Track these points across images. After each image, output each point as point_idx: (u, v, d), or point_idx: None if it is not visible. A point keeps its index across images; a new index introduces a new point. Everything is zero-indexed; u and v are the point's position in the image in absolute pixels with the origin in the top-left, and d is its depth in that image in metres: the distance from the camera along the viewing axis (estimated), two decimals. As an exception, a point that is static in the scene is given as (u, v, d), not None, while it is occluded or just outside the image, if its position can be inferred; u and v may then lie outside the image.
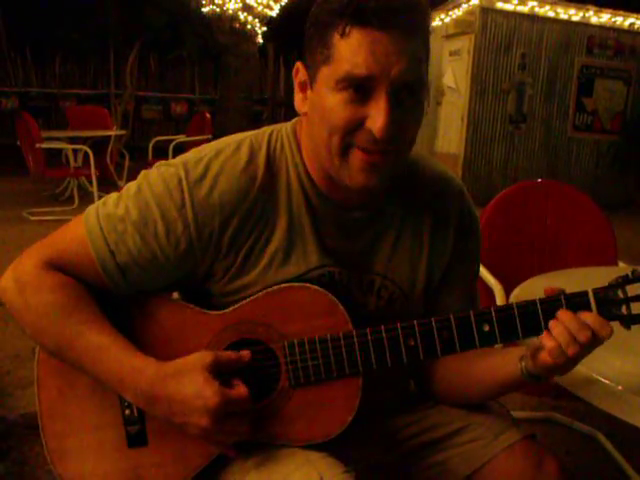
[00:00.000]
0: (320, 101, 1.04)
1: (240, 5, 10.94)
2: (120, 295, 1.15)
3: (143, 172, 1.17)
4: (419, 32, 1.01)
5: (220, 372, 1.06)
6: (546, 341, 1.02)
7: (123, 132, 9.47)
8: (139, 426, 1.13)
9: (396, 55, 0.97)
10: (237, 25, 11.10)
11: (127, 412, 1.13)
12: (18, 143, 7.19)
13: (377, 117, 0.99)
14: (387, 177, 1.08)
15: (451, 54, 9.34)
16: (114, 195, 1.15)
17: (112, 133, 8.31)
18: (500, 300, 2.06)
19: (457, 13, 8.98)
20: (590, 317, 1.01)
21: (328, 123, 1.03)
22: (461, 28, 8.93)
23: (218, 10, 10.99)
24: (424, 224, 1.24)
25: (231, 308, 1.13)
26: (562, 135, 9.42)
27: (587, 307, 1.03)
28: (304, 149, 1.17)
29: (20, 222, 6.50)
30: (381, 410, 1.30)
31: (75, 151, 7.72)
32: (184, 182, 1.10)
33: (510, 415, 1.30)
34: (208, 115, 8.02)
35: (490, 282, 2.14)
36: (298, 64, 1.10)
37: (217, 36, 11.41)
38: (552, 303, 1.04)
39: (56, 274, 1.11)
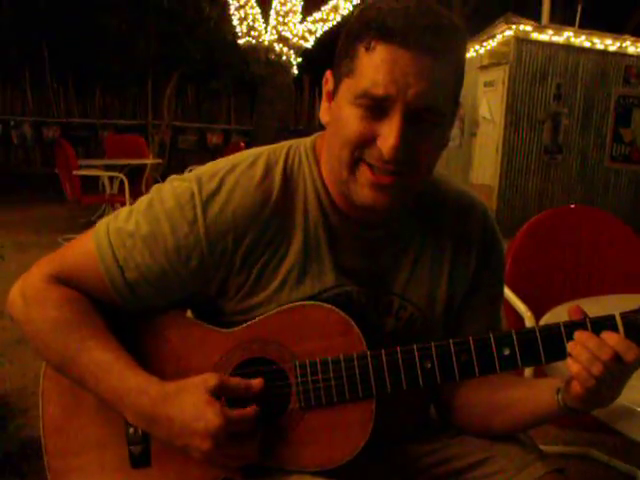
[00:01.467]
0: (338, 112, 1.03)
1: (276, 37, 11.11)
2: (129, 311, 1.12)
3: (156, 186, 1.14)
4: (447, 55, 0.98)
5: (224, 395, 1.03)
6: (570, 366, 0.97)
7: (159, 161, 9.62)
8: (143, 446, 1.10)
9: (415, 76, 0.95)
10: (272, 56, 11.27)
11: (131, 431, 1.10)
12: (56, 170, 7.35)
13: (388, 137, 0.97)
14: (398, 199, 1.05)
15: (486, 85, 9.31)
16: (126, 209, 1.13)
17: (148, 161, 8.46)
18: (530, 328, 1.99)
19: (492, 44, 8.96)
20: (613, 337, 0.96)
21: (342, 135, 1.01)
22: (496, 59, 8.90)
23: (254, 42, 11.17)
24: (445, 245, 1.20)
25: (242, 326, 1.10)
26: (599, 166, 9.26)
27: (614, 331, 0.97)
28: (323, 164, 1.14)
29: (55, 247, 6.55)
30: (399, 437, 1.24)
31: (111, 178, 7.85)
32: (197, 197, 1.08)
33: (537, 447, 1.23)
34: (243, 145, 8.11)
35: (520, 309, 2.06)
36: (328, 73, 1.09)
37: (253, 67, 11.59)
38: (576, 326, 0.98)
39: (63, 288, 1.10)
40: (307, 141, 1.19)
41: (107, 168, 7.80)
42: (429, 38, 0.95)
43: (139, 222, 1.09)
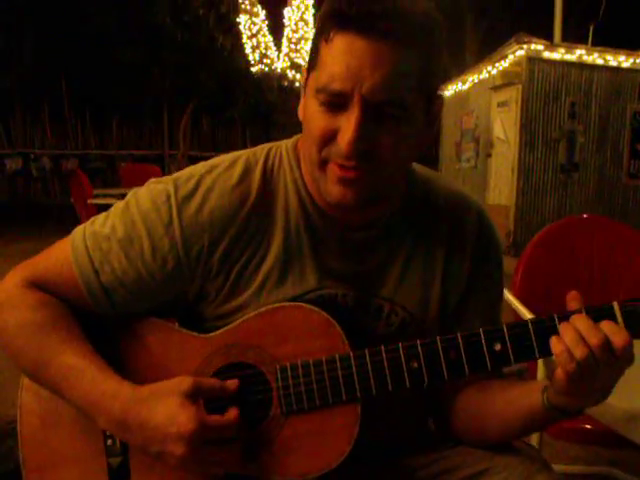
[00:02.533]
0: (306, 106, 1.00)
1: (288, 64, 11.21)
2: (107, 317, 1.09)
3: (133, 190, 1.12)
4: (409, 42, 0.92)
5: (201, 399, 0.98)
6: (553, 345, 0.91)
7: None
8: (122, 458, 1.05)
9: (372, 67, 0.90)
10: (285, 83, 11.37)
11: (109, 442, 1.05)
12: (72, 200, 7.41)
13: (346, 132, 0.93)
14: (365, 194, 1.00)
15: (499, 105, 9.28)
16: (104, 214, 1.11)
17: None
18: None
19: (504, 64, 8.94)
20: (607, 324, 0.90)
21: (309, 132, 0.99)
22: (508, 79, 8.88)
23: (267, 69, 11.28)
24: (438, 245, 1.14)
25: (221, 330, 1.06)
26: (617, 183, 9.14)
27: (613, 320, 0.91)
28: (303, 164, 1.10)
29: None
30: (396, 449, 1.18)
31: (126, 207, 7.86)
32: (172, 198, 1.05)
33: (541, 457, 1.16)
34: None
35: (525, 317, 1.99)
36: (304, 69, 1.06)
37: (266, 94, 11.71)
38: (572, 316, 0.92)
39: (37, 293, 1.07)
40: (289, 142, 1.15)
41: (122, 197, 7.81)
42: (387, 23, 0.90)
43: (115, 225, 1.07)
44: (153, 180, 1.12)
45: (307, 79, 1.01)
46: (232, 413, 0.98)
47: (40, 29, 14.34)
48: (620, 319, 0.91)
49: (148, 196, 1.07)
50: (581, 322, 0.90)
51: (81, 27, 14.48)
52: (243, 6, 10.82)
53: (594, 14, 9.52)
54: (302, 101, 1.06)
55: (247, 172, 1.09)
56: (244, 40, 11.34)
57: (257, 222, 1.07)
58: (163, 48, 13.56)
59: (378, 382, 0.97)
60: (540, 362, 1.69)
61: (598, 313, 0.91)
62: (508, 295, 2.02)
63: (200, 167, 1.11)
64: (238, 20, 10.99)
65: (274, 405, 1.01)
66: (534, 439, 1.76)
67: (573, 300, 0.94)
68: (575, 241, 2.40)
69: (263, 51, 11.31)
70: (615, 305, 0.91)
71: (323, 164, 0.99)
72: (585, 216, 2.64)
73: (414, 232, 1.14)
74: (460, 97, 10.75)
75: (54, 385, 1.03)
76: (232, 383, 1.01)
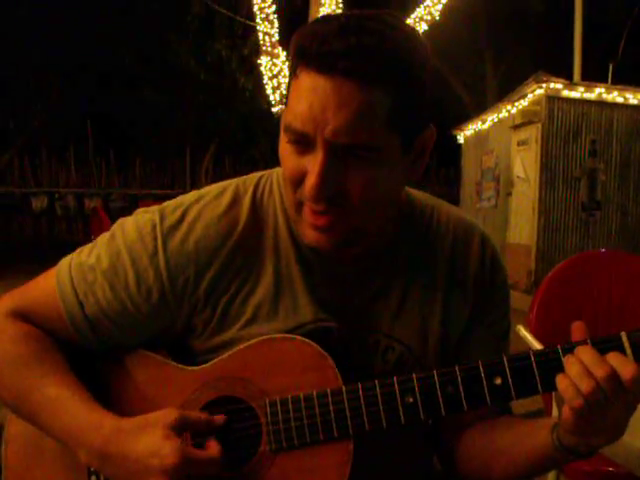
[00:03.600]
0: (279, 146, 0.96)
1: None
2: (92, 351, 1.06)
3: (120, 220, 1.09)
4: (377, 81, 0.86)
5: (186, 433, 0.94)
6: (559, 382, 0.85)
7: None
8: None
9: (335, 109, 0.85)
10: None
11: (93, 479, 1.01)
12: (92, 237, 7.48)
13: (310, 175, 0.89)
14: (340, 240, 0.96)
15: (519, 144, 9.24)
16: (90, 244, 1.08)
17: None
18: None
19: (523, 103, 8.93)
20: (614, 356, 0.84)
21: (283, 171, 0.96)
22: (528, 117, 8.85)
23: (287, 109, 11.38)
24: (437, 276, 1.09)
25: (210, 363, 1.02)
26: (640, 221, 9.02)
27: (621, 351, 0.85)
28: None
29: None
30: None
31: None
32: (158, 228, 1.02)
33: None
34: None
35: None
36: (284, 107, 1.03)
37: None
38: (577, 348, 0.86)
39: (20, 324, 1.04)
40: (279, 170, 1.11)
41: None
42: (348, 62, 0.84)
43: (100, 256, 1.04)
44: (141, 210, 1.09)
45: (282, 117, 0.98)
46: (216, 449, 0.93)
47: (66, 71, 14.70)
48: (629, 350, 0.85)
49: (134, 226, 1.05)
50: (586, 354, 0.85)
51: (106, 68, 14.84)
52: (264, 47, 10.96)
53: (614, 53, 9.52)
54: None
55: (235, 201, 1.06)
56: (265, 81, 11.48)
57: (245, 252, 1.03)
58: (186, 89, 13.80)
59: (371, 417, 0.92)
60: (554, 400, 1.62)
61: (605, 344, 0.86)
62: (524, 332, 1.96)
63: (189, 196, 1.08)
64: (259, 61, 11.13)
65: (263, 441, 0.96)
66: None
67: (578, 330, 0.89)
68: (592, 275, 2.33)
69: (283, 92, 11.44)
70: (623, 335, 0.86)
71: (299, 206, 0.96)
72: (603, 250, 2.58)
73: (412, 262, 1.09)
74: (480, 136, 10.73)
75: (35, 417, 1.00)
76: (219, 418, 0.97)
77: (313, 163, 0.89)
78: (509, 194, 9.61)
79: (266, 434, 0.96)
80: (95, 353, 1.07)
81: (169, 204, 1.07)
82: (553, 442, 0.92)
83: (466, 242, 1.12)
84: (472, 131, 10.98)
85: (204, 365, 1.02)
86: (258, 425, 0.97)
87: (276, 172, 1.11)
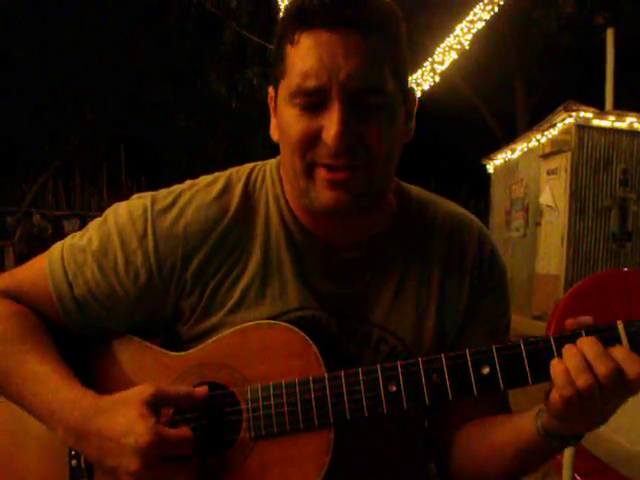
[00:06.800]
0: (281, 119, 0.96)
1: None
2: (80, 334, 1.06)
3: (114, 205, 1.10)
4: (376, 27, 0.91)
5: (163, 408, 0.93)
6: (553, 366, 0.81)
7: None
8: None
9: (344, 56, 0.88)
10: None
11: (74, 463, 0.99)
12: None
13: (330, 126, 0.89)
14: (359, 197, 0.95)
15: (549, 173, 9.15)
16: (84, 229, 1.10)
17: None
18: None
19: (553, 132, 8.87)
20: (619, 350, 0.80)
21: (289, 141, 0.94)
22: (557, 147, 8.78)
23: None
24: (433, 269, 1.06)
25: (194, 349, 1.00)
26: (672, 252, 8.81)
27: (616, 342, 0.81)
28: (285, 182, 1.06)
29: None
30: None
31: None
32: (149, 211, 1.03)
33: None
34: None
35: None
36: (270, 88, 1.02)
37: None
38: (570, 338, 0.82)
39: (9, 303, 1.05)
40: (273, 160, 1.12)
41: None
42: (351, 11, 0.88)
43: (91, 237, 1.05)
44: (135, 195, 1.10)
45: (276, 93, 0.99)
46: (187, 430, 0.91)
47: (100, 97, 15.05)
48: (625, 340, 0.80)
49: (126, 209, 1.06)
50: (590, 347, 0.81)
51: (139, 95, 15.15)
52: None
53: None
54: (273, 122, 1.03)
55: (228, 188, 1.06)
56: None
57: (234, 238, 1.03)
58: (217, 116, 14.01)
59: (353, 405, 0.89)
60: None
61: (601, 333, 0.81)
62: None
63: (183, 184, 1.09)
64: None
65: (243, 429, 0.94)
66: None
67: (576, 321, 0.85)
68: (612, 294, 2.26)
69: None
70: (619, 324, 0.81)
71: (309, 170, 0.94)
72: (625, 269, 2.51)
73: (407, 254, 1.06)
74: (509, 166, 10.66)
75: (17, 394, 0.99)
76: (200, 390, 0.94)
77: (330, 116, 0.90)
78: (538, 224, 9.49)
79: (246, 421, 0.94)
80: (82, 336, 1.06)
81: (162, 190, 1.08)
82: (537, 429, 0.89)
83: (463, 236, 1.09)
84: (502, 160, 10.91)
85: (189, 351, 1.01)
86: (239, 412, 0.94)
87: (269, 163, 1.11)
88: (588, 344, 0.82)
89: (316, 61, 0.89)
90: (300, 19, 0.90)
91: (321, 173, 0.93)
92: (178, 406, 0.94)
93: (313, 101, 0.91)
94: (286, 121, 0.94)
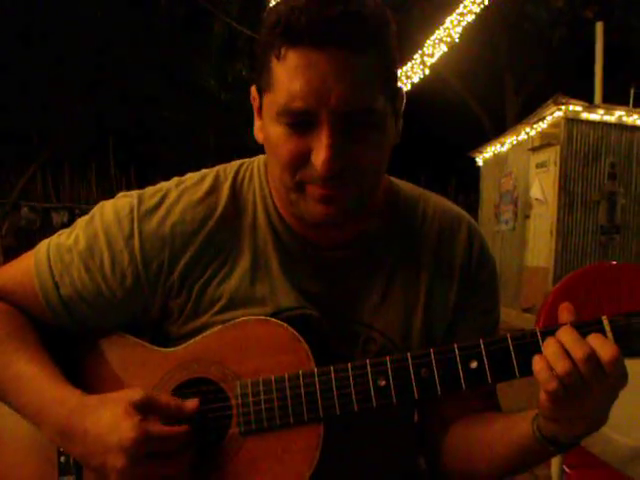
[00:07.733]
0: (267, 131, 0.94)
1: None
2: (69, 331, 1.06)
3: (100, 203, 1.09)
4: (369, 46, 0.87)
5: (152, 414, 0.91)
6: (535, 363, 0.81)
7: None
8: (75, 477, 0.99)
9: (334, 78, 0.84)
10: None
11: (62, 459, 0.99)
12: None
13: (319, 151, 0.87)
14: (350, 210, 0.95)
15: (538, 166, 9.18)
16: (70, 227, 1.09)
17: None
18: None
19: (542, 126, 8.89)
20: (595, 336, 0.81)
21: (277, 158, 0.93)
22: (547, 140, 8.81)
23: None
24: (422, 267, 1.06)
25: (184, 345, 1.00)
26: (660, 245, 8.88)
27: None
28: (272, 185, 1.05)
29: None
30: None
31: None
32: (135, 211, 1.02)
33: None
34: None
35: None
36: (252, 89, 1.00)
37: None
38: (556, 332, 0.83)
39: None
40: (261, 158, 1.10)
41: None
42: (341, 29, 0.84)
43: (78, 237, 1.04)
44: (121, 194, 1.09)
45: (260, 100, 0.96)
46: (182, 427, 0.91)
47: (89, 89, 14.94)
48: (610, 334, 0.81)
49: (112, 209, 1.04)
50: (565, 335, 0.82)
51: (128, 87, 15.07)
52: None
53: (635, 76, 9.47)
54: (256, 122, 1.01)
55: (215, 187, 1.05)
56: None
57: (222, 238, 1.02)
58: (207, 108, 13.95)
59: (342, 400, 0.89)
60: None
61: (586, 328, 0.82)
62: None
63: (170, 182, 1.08)
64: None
65: (233, 423, 0.94)
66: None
67: (564, 311, 0.86)
68: (601, 286, 2.28)
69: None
70: (604, 319, 0.82)
71: (299, 187, 0.93)
72: (614, 262, 2.54)
73: (396, 253, 1.06)
74: (499, 159, 10.69)
75: (4, 393, 0.99)
76: (191, 405, 0.94)
77: (319, 138, 0.87)
78: (527, 217, 9.53)
79: (236, 416, 0.94)
80: (71, 334, 1.06)
81: (149, 189, 1.07)
82: (534, 432, 0.89)
83: (452, 232, 1.09)
84: (491, 154, 10.94)
85: (178, 347, 1.01)
86: (228, 408, 0.95)
87: (257, 160, 1.10)
88: (565, 332, 0.83)
89: (304, 83, 0.85)
90: (286, 34, 0.86)
91: (311, 189, 0.92)
92: (166, 417, 0.92)
93: (300, 120, 0.88)
94: (274, 138, 0.92)
